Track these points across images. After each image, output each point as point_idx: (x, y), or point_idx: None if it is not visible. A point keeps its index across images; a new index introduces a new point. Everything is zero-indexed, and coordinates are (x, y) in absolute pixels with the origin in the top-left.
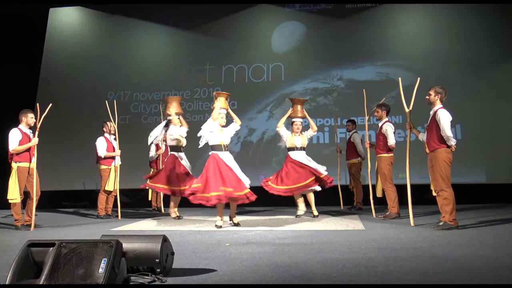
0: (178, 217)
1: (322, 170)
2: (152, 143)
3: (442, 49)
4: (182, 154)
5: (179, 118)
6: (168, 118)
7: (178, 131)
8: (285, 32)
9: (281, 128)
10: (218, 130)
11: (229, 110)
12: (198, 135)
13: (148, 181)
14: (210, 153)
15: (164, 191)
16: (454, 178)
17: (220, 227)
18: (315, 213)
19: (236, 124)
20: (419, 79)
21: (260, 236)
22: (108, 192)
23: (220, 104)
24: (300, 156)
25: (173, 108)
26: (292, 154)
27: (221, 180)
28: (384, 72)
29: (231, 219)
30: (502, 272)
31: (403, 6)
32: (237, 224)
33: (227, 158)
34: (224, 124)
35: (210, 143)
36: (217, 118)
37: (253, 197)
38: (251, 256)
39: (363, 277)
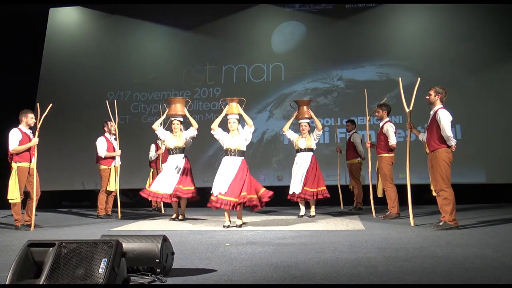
0: (175, 219)
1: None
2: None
3: (442, 49)
4: (175, 157)
5: (172, 121)
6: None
7: (166, 135)
8: (285, 32)
9: (287, 132)
10: (228, 136)
11: (242, 113)
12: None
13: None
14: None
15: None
16: (454, 178)
17: (227, 227)
18: (312, 213)
19: (247, 127)
20: (419, 79)
21: (260, 236)
22: (109, 192)
23: (229, 110)
24: (304, 159)
25: (170, 110)
26: (297, 156)
27: (218, 184)
28: (384, 72)
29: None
30: (502, 272)
31: (403, 6)
32: (239, 226)
33: (229, 163)
34: (234, 129)
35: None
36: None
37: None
38: (251, 256)
39: (363, 277)
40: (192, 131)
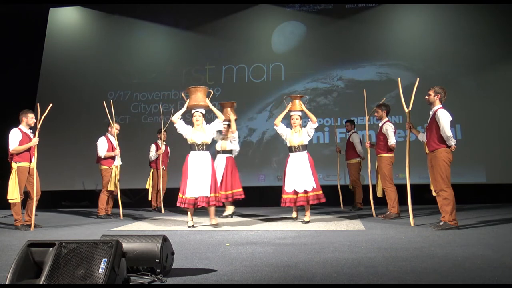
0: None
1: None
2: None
3: (442, 49)
4: (201, 154)
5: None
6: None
7: (188, 130)
8: (285, 32)
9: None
10: (290, 132)
11: (305, 110)
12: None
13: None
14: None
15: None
16: (454, 178)
17: (296, 218)
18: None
19: (310, 123)
20: (418, 79)
21: (260, 236)
22: (110, 192)
23: (293, 107)
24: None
25: (191, 101)
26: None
27: (294, 181)
28: (384, 72)
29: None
30: (502, 272)
31: (403, 6)
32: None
33: (297, 159)
34: (296, 125)
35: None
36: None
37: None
38: (251, 256)
39: (363, 277)
40: (219, 124)
